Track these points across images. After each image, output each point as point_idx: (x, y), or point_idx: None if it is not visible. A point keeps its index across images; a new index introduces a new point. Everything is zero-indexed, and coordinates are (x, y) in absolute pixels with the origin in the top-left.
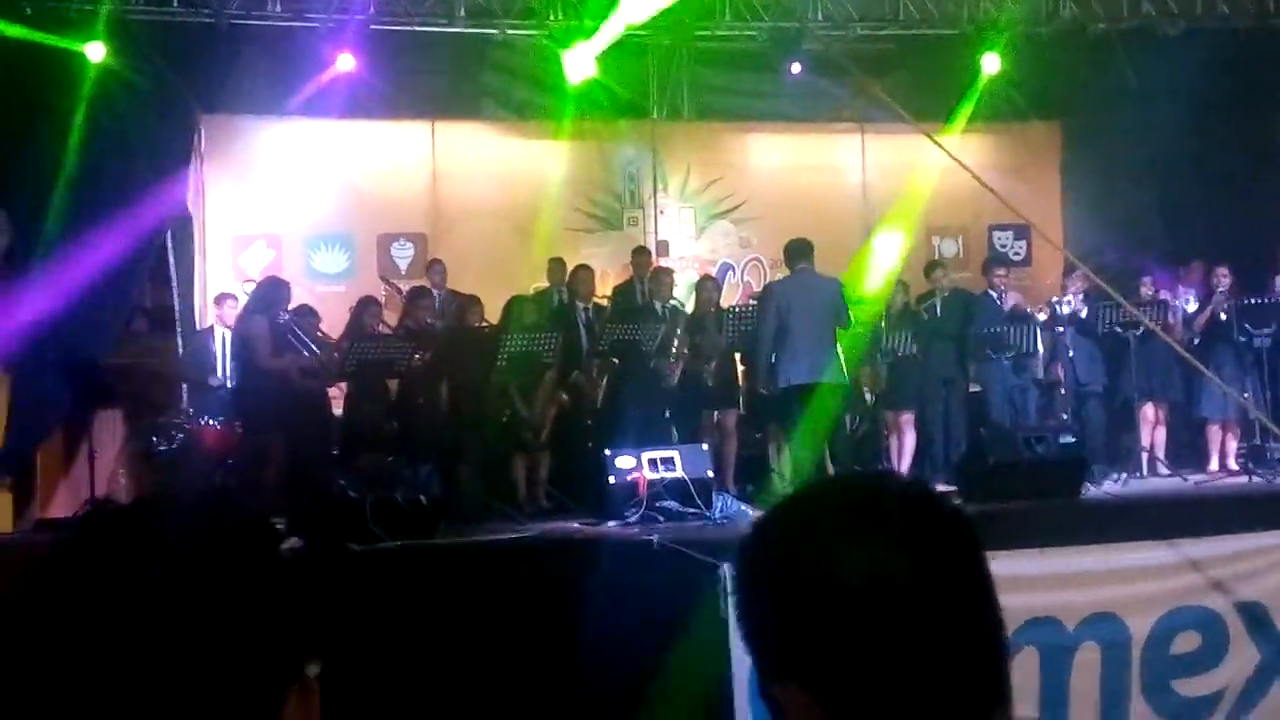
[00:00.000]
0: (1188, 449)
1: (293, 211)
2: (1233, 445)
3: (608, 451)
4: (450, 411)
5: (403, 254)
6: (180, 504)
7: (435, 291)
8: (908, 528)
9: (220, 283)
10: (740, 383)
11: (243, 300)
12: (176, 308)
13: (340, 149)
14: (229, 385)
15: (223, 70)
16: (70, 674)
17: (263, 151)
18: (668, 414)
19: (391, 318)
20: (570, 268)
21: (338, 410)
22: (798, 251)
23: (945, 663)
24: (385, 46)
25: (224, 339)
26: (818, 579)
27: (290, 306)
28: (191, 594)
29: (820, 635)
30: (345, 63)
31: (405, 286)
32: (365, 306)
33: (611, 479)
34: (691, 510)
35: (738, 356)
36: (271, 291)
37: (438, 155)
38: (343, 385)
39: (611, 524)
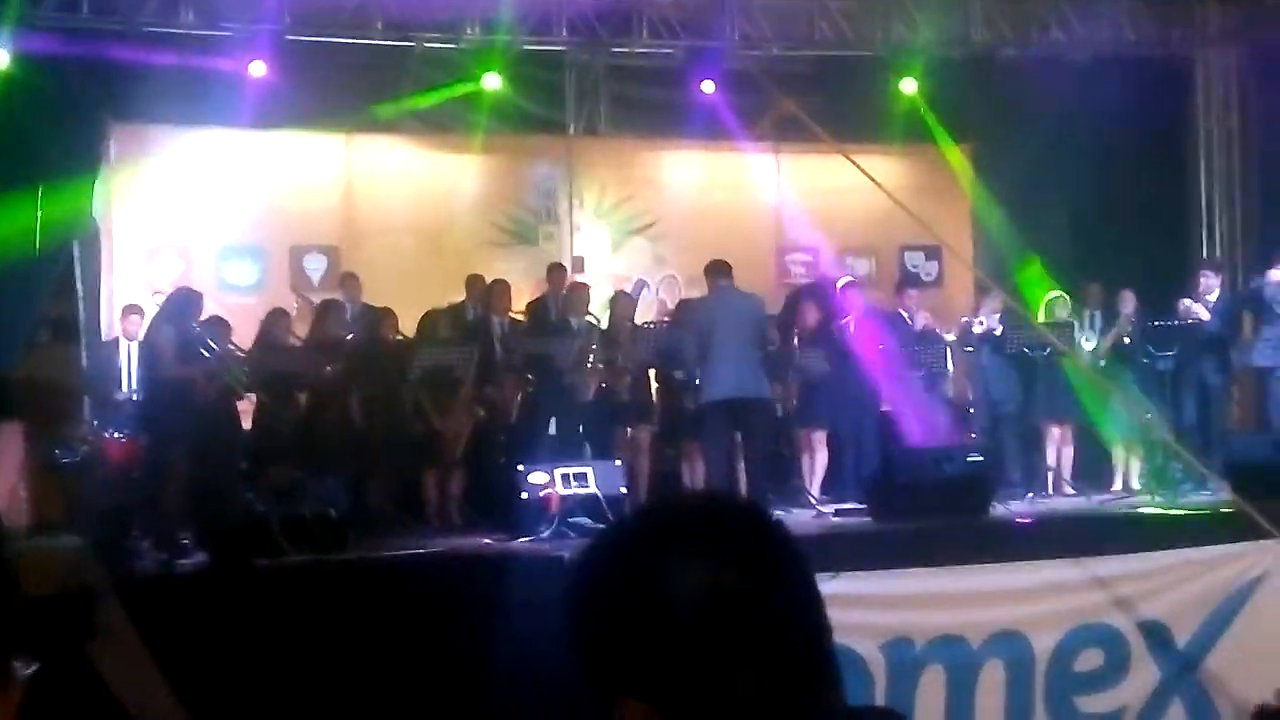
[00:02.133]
0: (1093, 469)
1: (204, 222)
2: (1136, 465)
3: (520, 467)
4: (361, 425)
5: (315, 267)
6: None
7: (349, 304)
8: (740, 546)
9: (128, 294)
10: (655, 399)
11: (150, 312)
12: (81, 319)
13: (253, 160)
14: (134, 398)
15: (134, 78)
16: None
17: (174, 161)
18: (581, 430)
19: (303, 330)
20: (485, 282)
21: (246, 423)
22: (720, 271)
23: (777, 675)
24: (300, 57)
25: (129, 351)
26: (654, 597)
27: (201, 318)
28: None
29: (658, 652)
30: (257, 69)
31: (317, 299)
32: (275, 319)
33: (524, 495)
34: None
35: (652, 373)
36: (183, 302)
37: (352, 168)
38: (251, 398)
39: (523, 540)
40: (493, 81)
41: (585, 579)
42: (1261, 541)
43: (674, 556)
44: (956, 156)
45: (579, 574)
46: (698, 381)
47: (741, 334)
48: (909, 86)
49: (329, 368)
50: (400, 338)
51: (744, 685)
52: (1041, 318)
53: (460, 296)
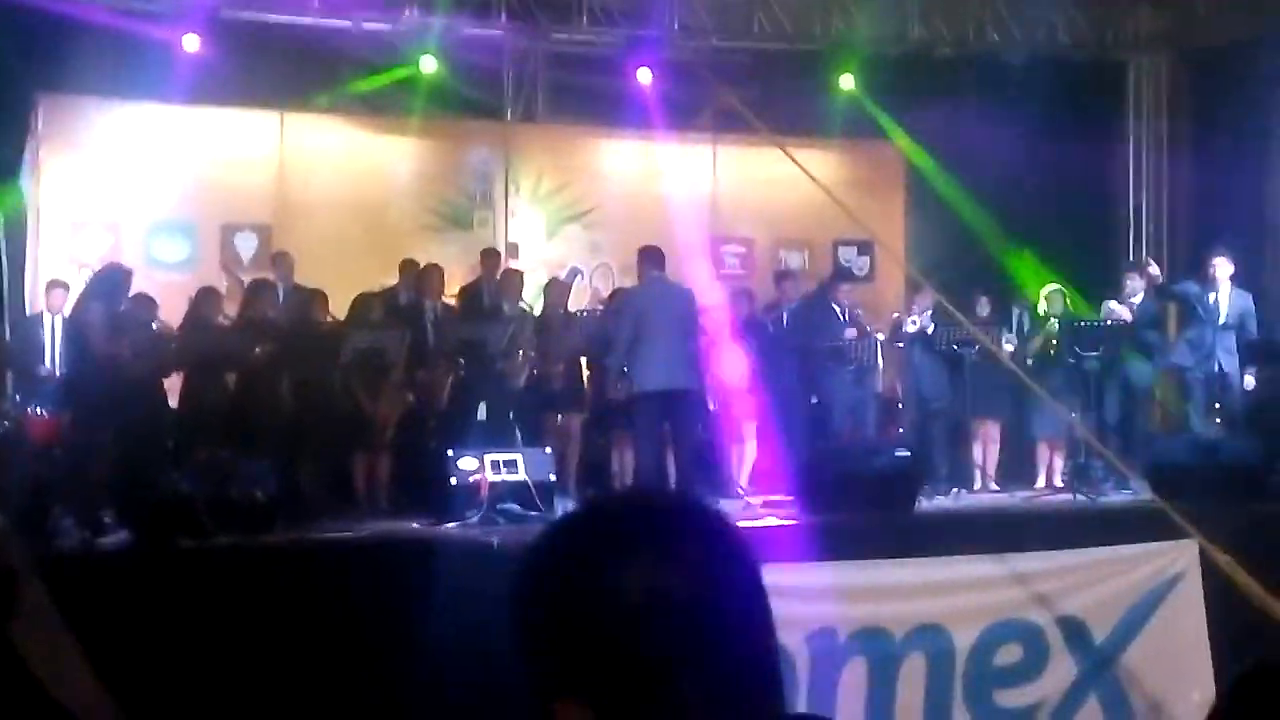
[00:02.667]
0: (1017, 466)
1: (134, 198)
2: (1059, 463)
3: (450, 452)
4: (291, 407)
5: (246, 245)
6: None
7: (280, 285)
8: (685, 546)
9: (54, 269)
10: (586, 386)
11: (76, 288)
12: (5, 293)
13: (185, 136)
14: (59, 374)
15: (64, 50)
16: None
17: (104, 135)
18: (512, 416)
19: (233, 309)
20: (418, 266)
21: (173, 402)
22: (652, 258)
23: (718, 678)
24: (234, 33)
25: (54, 326)
26: (595, 597)
27: (130, 295)
28: None
29: (596, 653)
30: (190, 43)
31: (247, 278)
32: (205, 297)
33: (453, 480)
34: (533, 513)
35: (584, 360)
36: (111, 279)
37: (285, 146)
38: (179, 377)
39: (452, 525)
40: (429, 65)
41: (527, 577)
42: (1179, 541)
43: (615, 556)
44: (905, 140)
45: (521, 572)
46: (625, 370)
47: (673, 324)
48: (847, 82)
49: (259, 348)
50: (332, 320)
51: (684, 688)
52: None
53: (393, 279)
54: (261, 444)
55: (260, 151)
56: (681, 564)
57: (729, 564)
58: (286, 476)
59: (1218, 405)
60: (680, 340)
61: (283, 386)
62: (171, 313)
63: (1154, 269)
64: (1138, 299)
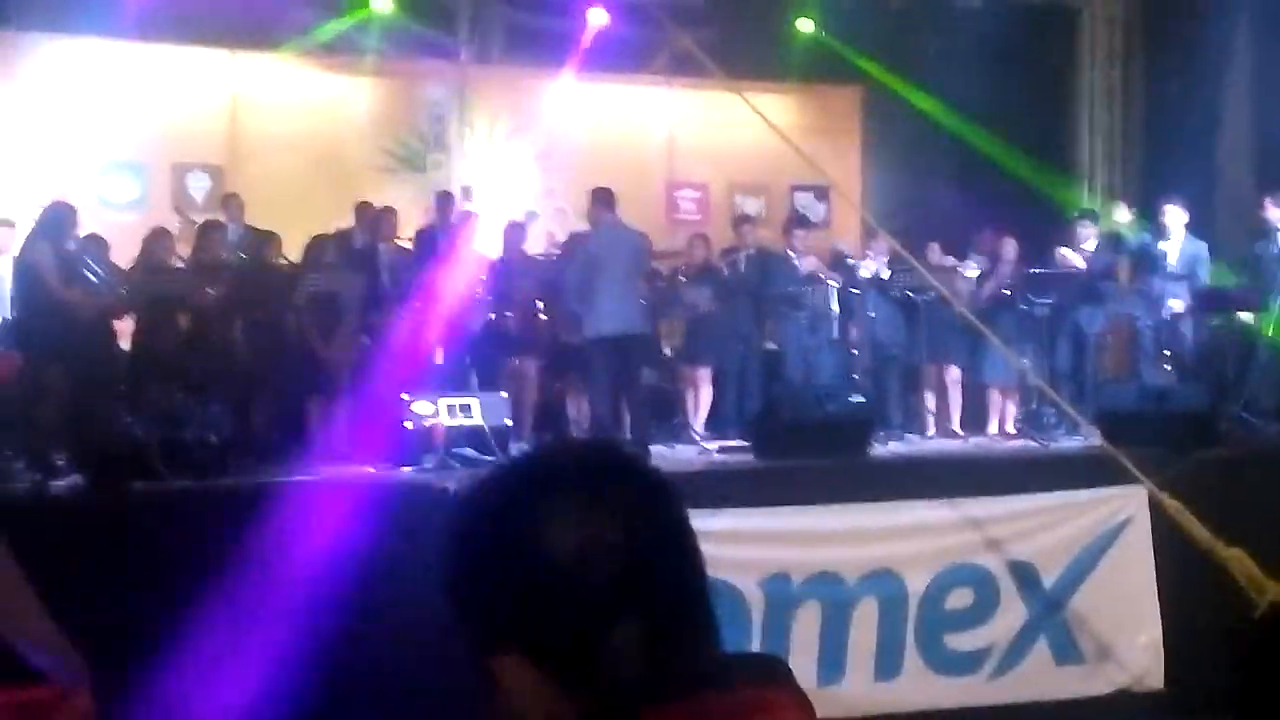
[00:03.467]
0: (970, 412)
1: (83, 136)
2: (1012, 410)
3: (405, 396)
4: (245, 350)
5: (198, 185)
6: None
7: (231, 226)
8: (618, 496)
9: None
10: (542, 331)
11: (23, 228)
12: None
13: (135, 73)
14: (8, 315)
15: None
16: None
17: (50, 70)
18: (468, 360)
19: (185, 251)
20: (373, 208)
21: (125, 344)
22: (604, 200)
23: (653, 626)
24: None
25: (1, 267)
26: (529, 547)
27: (77, 233)
28: None
29: (532, 602)
30: None
31: (200, 219)
32: (157, 238)
33: (408, 424)
34: (489, 458)
35: (540, 304)
36: (56, 217)
37: (237, 85)
38: (130, 319)
39: (407, 470)
40: (383, 4)
41: (460, 531)
42: (1128, 486)
43: (547, 506)
44: (847, 98)
45: (456, 524)
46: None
47: (625, 269)
48: (805, 25)
49: (211, 290)
50: (285, 262)
51: (619, 636)
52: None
53: (347, 222)
54: (215, 387)
55: (212, 90)
56: (612, 511)
57: (657, 511)
58: (240, 420)
59: (1167, 352)
60: (632, 285)
61: (236, 329)
62: (122, 254)
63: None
64: (1089, 246)
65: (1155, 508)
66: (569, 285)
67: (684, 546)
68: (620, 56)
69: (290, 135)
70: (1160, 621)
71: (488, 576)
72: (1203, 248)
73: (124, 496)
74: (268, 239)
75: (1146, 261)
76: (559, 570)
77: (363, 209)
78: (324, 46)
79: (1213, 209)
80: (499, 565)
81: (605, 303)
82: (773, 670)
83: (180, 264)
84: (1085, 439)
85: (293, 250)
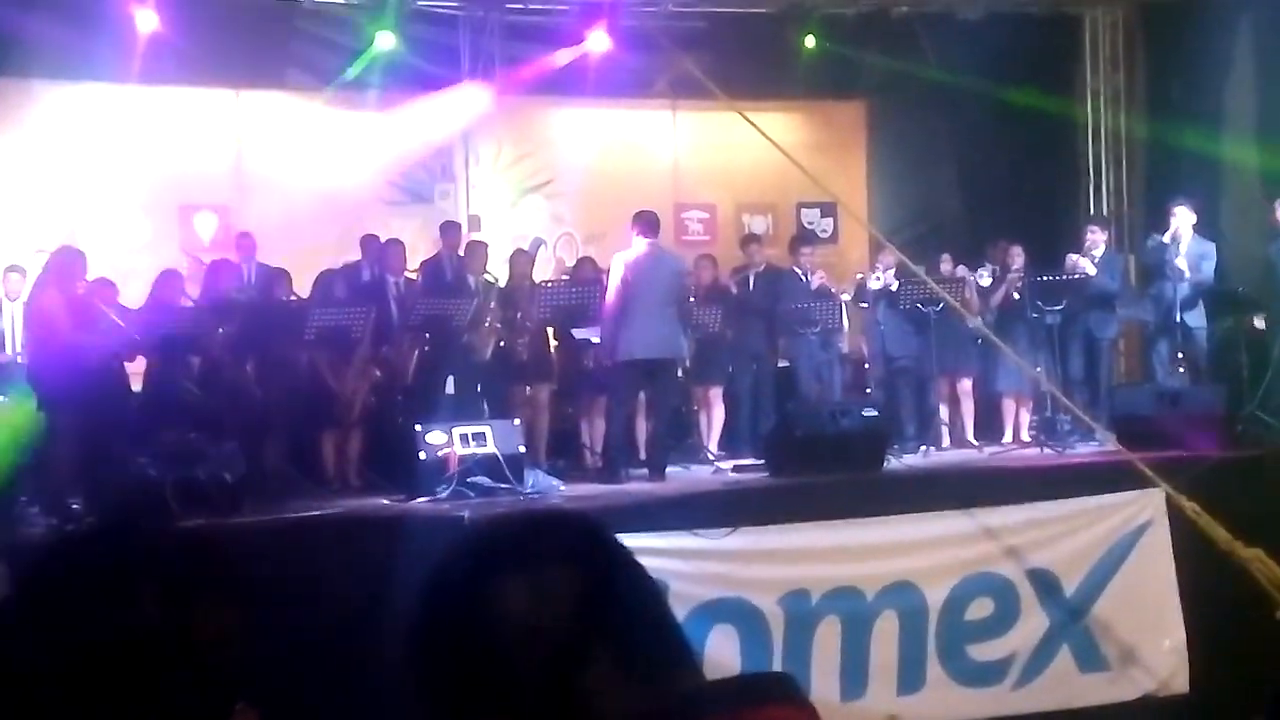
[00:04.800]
0: (984, 421)
1: (91, 180)
2: (1026, 418)
3: (418, 427)
4: (256, 387)
5: (205, 225)
6: None
7: (244, 264)
8: (561, 556)
9: (10, 254)
10: (553, 357)
11: (33, 273)
12: None
13: (141, 116)
14: (19, 360)
15: (12, 31)
16: None
17: (56, 117)
18: (480, 389)
19: (194, 291)
20: (380, 241)
21: (136, 386)
22: (649, 224)
23: (624, 664)
24: (188, 9)
25: (12, 313)
26: (483, 620)
27: (86, 278)
28: None
29: (500, 670)
30: (146, 22)
31: (208, 259)
32: (166, 279)
33: (422, 455)
34: (503, 486)
35: (550, 331)
36: (65, 262)
37: (242, 124)
38: (142, 360)
39: (422, 500)
40: (386, 41)
41: (420, 613)
42: (1145, 490)
43: (499, 578)
44: (851, 114)
45: (417, 617)
46: (594, 340)
47: (664, 292)
48: (807, 43)
49: (222, 329)
50: (295, 298)
51: (591, 680)
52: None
53: (354, 256)
54: (227, 425)
55: (217, 130)
56: (563, 572)
57: (608, 564)
58: (254, 457)
59: (1180, 355)
60: (668, 308)
61: (247, 367)
62: (132, 296)
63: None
64: (1099, 252)
65: (1174, 510)
66: (611, 306)
67: (637, 589)
68: (623, 81)
69: (296, 173)
70: (1183, 625)
71: (451, 654)
72: (1211, 248)
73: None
74: (277, 276)
75: (1157, 267)
76: (515, 635)
77: (368, 241)
78: (327, 83)
79: (1218, 210)
80: (460, 642)
81: (642, 326)
82: (777, 688)
83: (190, 304)
84: (1101, 444)
85: (302, 286)
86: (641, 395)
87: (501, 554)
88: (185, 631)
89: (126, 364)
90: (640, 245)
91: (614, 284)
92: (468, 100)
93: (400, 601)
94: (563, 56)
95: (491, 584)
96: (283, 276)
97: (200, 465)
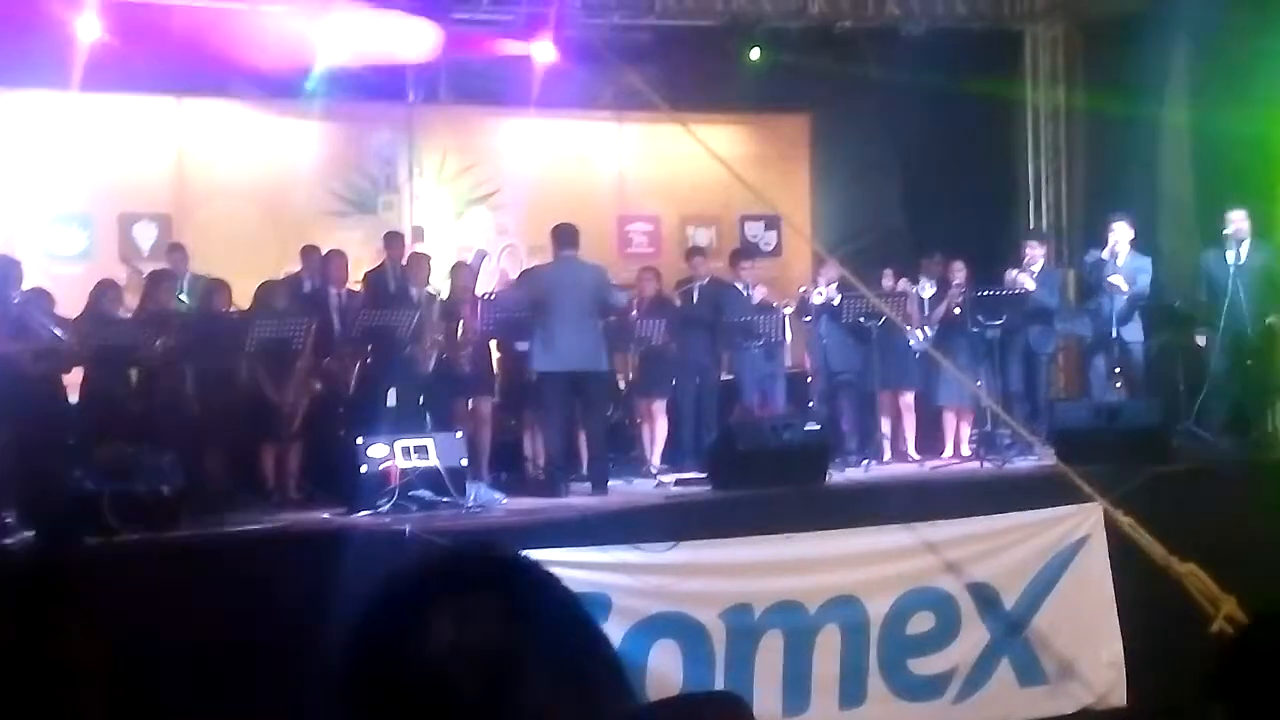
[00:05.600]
0: (925, 435)
1: (28, 188)
2: (966, 432)
3: (359, 440)
4: (195, 399)
5: (145, 235)
6: None
7: (179, 275)
8: (483, 588)
9: None
10: (496, 370)
11: None
12: None
13: (79, 123)
14: None
15: None
16: None
17: None
18: (422, 401)
19: (133, 301)
20: (323, 252)
21: (74, 397)
22: (565, 237)
23: (552, 697)
24: (129, 17)
25: None
26: (408, 658)
27: (22, 288)
28: None
29: (424, 709)
30: (87, 30)
31: (147, 269)
32: (104, 289)
33: (363, 468)
34: (445, 499)
35: (493, 344)
36: (1, 271)
37: (183, 132)
38: (79, 371)
39: (363, 514)
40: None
41: (351, 647)
42: (1083, 505)
43: (426, 609)
44: (795, 127)
45: (348, 657)
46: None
47: (579, 304)
48: (752, 56)
49: (160, 341)
50: (235, 310)
51: (529, 704)
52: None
53: (296, 266)
54: (166, 438)
55: (157, 139)
56: (490, 601)
57: (533, 593)
58: (192, 470)
59: (1117, 370)
60: (584, 319)
61: (186, 379)
62: (70, 306)
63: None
64: (1038, 267)
65: (1111, 525)
66: (519, 319)
67: (566, 613)
68: (569, 93)
69: (238, 182)
70: (1121, 638)
71: (385, 686)
72: (1147, 262)
73: (76, 552)
74: (216, 287)
75: (1094, 282)
76: (449, 659)
77: (310, 252)
78: (269, 91)
79: (1155, 225)
80: (394, 674)
81: (559, 338)
82: (719, 706)
83: (128, 315)
84: (1040, 458)
85: (244, 297)
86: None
87: (429, 585)
88: (40, 657)
89: (63, 375)
90: (557, 257)
91: (520, 295)
92: (412, 110)
93: (342, 615)
94: (508, 47)
95: (421, 614)
96: (221, 288)
97: (138, 478)
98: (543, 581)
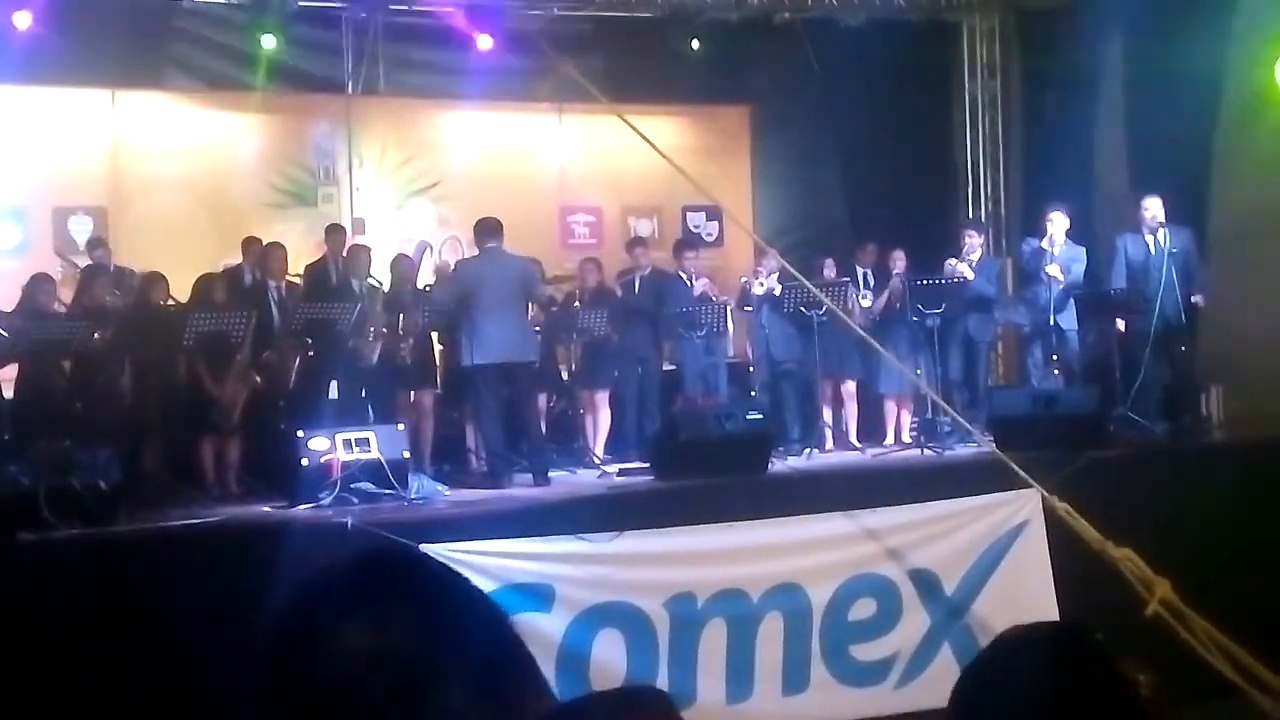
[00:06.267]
0: (867, 423)
1: None
2: (907, 420)
3: (300, 433)
4: (133, 393)
5: (80, 228)
6: None
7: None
8: (396, 598)
9: None
10: (437, 362)
11: None
12: None
13: (12, 115)
14: None
15: None
16: None
17: None
18: (364, 394)
19: (68, 295)
20: (261, 244)
21: (8, 392)
22: (488, 230)
23: (465, 698)
24: (64, 8)
25: None
26: (317, 664)
27: None
28: None
29: (364, 708)
30: (21, 20)
31: (83, 263)
32: (39, 284)
33: (304, 461)
34: (387, 491)
35: (435, 336)
36: None
37: (119, 125)
38: (13, 367)
39: (304, 507)
40: (270, 42)
41: (264, 652)
42: (1021, 491)
43: (334, 618)
44: (735, 118)
45: (261, 672)
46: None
47: (506, 296)
48: (692, 47)
49: (97, 334)
50: (173, 303)
51: (443, 709)
52: None
53: (236, 259)
54: (103, 432)
55: (93, 131)
56: (396, 619)
57: (441, 592)
58: (130, 464)
59: (1054, 357)
60: (513, 312)
61: (124, 373)
62: (4, 300)
63: (974, 238)
64: (976, 256)
65: (1049, 510)
66: (450, 312)
67: (477, 614)
68: (509, 84)
69: (175, 174)
70: (1060, 621)
71: (286, 697)
72: (1081, 251)
73: (11, 548)
74: (154, 280)
75: (1031, 271)
76: (360, 667)
77: (250, 244)
78: (207, 82)
79: (1091, 214)
80: (296, 685)
81: (488, 330)
82: (641, 702)
83: (63, 308)
84: (979, 446)
85: (182, 290)
86: None
87: (334, 594)
88: None
89: None
90: (483, 251)
91: (446, 289)
92: (351, 101)
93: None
94: (448, 59)
95: (332, 620)
96: (159, 280)
97: (75, 473)
98: (452, 583)
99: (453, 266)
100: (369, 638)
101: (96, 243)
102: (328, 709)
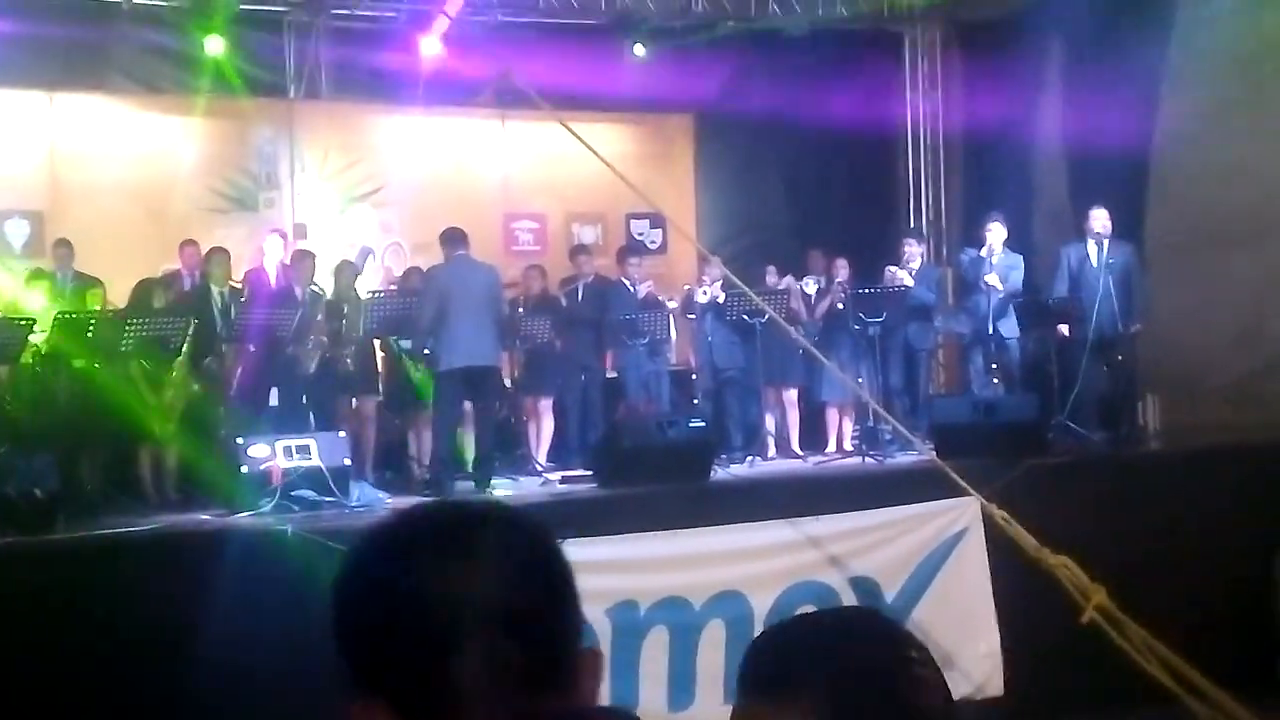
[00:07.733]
0: (809, 431)
1: None
2: (849, 428)
3: (240, 440)
4: (70, 399)
5: (17, 232)
6: None
7: (59, 273)
8: (490, 549)
9: None
10: (380, 369)
11: None
12: None
13: None
14: None
15: None
16: None
17: None
18: (305, 401)
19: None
20: (204, 250)
21: None
22: (454, 239)
23: (501, 669)
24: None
25: None
26: (407, 602)
27: None
28: None
29: (397, 652)
30: None
31: (20, 268)
32: None
33: (244, 468)
34: (328, 499)
35: (377, 343)
36: None
37: (56, 128)
38: None
39: (244, 515)
40: (216, 46)
41: (339, 578)
42: (961, 499)
43: (419, 559)
44: (679, 125)
45: (341, 580)
46: (426, 351)
47: (477, 303)
48: (636, 53)
49: (34, 340)
50: (112, 308)
51: (463, 673)
52: None
53: (176, 264)
54: (40, 439)
55: (29, 134)
56: (478, 568)
57: (528, 565)
58: (67, 472)
59: (995, 366)
60: (484, 318)
61: (61, 379)
62: None
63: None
64: (915, 264)
65: (988, 518)
66: (421, 320)
67: (553, 598)
68: (452, 90)
69: (115, 178)
70: (998, 629)
71: (355, 624)
72: (1018, 259)
73: None
74: (91, 285)
75: (971, 281)
76: (421, 621)
77: (189, 249)
78: (147, 86)
79: (1030, 224)
80: (377, 616)
81: (459, 336)
82: None
83: None
84: (920, 454)
85: (120, 296)
86: (468, 406)
87: (435, 540)
88: None
89: None
90: (452, 258)
91: (426, 298)
92: (293, 106)
93: (223, 617)
94: (391, 64)
95: (412, 567)
96: (97, 286)
97: (11, 480)
98: (556, 566)
99: (402, 274)
100: (448, 588)
101: (60, 243)
102: (393, 643)
